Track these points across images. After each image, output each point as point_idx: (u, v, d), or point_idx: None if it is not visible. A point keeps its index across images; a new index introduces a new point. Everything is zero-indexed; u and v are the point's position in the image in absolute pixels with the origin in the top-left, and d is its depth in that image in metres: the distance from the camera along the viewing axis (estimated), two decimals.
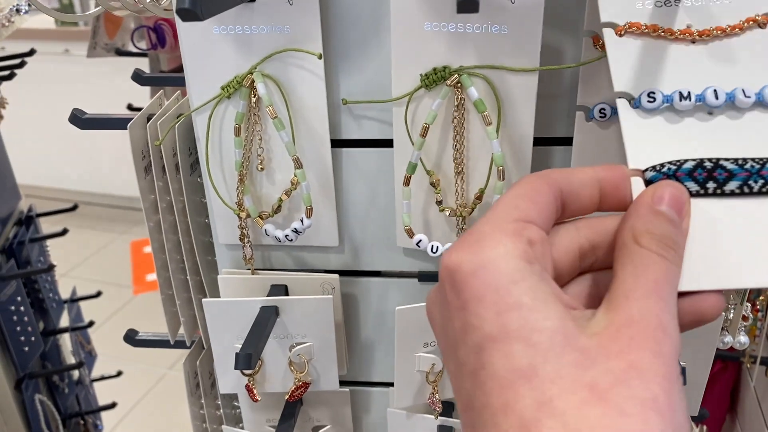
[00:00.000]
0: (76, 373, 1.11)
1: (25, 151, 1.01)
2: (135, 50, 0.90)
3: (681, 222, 0.25)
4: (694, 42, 0.29)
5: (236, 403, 0.52)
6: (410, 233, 0.41)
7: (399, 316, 0.41)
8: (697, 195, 0.26)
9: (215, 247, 0.46)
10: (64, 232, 1.02)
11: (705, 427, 0.80)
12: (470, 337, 0.21)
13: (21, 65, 0.82)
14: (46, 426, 0.97)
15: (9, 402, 0.89)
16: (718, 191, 0.26)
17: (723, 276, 0.25)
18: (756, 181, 0.26)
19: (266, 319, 0.42)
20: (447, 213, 0.41)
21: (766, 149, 0.27)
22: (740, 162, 0.26)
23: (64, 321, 1.07)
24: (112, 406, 1.13)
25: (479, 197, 0.41)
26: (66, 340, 1.09)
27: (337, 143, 0.42)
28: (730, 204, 0.26)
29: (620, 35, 0.29)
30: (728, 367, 0.73)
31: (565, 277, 0.25)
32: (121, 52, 0.93)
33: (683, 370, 0.45)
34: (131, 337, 0.52)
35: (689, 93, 0.27)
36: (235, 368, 0.38)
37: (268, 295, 0.44)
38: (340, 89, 0.41)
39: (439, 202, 0.41)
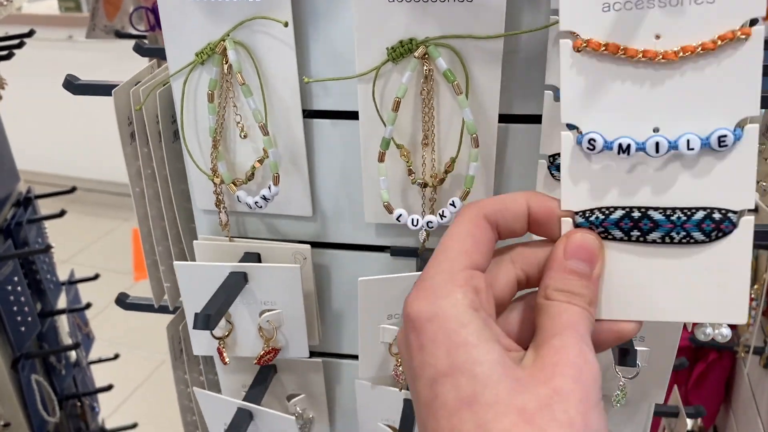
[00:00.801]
0: (73, 356, 1.15)
1: (28, 138, 1.05)
2: (134, 32, 0.93)
3: (592, 270, 0.28)
4: (657, 64, 0.27)
5: (216, 373, 0.55)
6: (389, 209, 0.43)
7: (362, 287, 0.43)
8: (621, 240, 0.29)
9: (194, 213, 0.49)
10: (62, 213, 1.06)
11: (699, 421, 0.81)
12: (426, 372, 0.25)
13: (20, 45, 0.85)
14: (43, 407, 1.00)
15: (5, 382, 0.92)
16: (641, 239, 0.28)
17: (635, 309, 0.29)
18: (678, 233, 0.28)
19: (233, 284, 0.44)
20: (419, 184, 0.43)
21: (704, 195, 0.28)
22: (668, 213, 0.28)
23: (62, 304, 1.11)
24: (109, 388, 1.17)
25: (450, 167, 0.43)
26: (63, 323, 1.13)
27: (309, 114, 0.44)
28: (649, 250, 0.29)
29: (577, 50, 0.27)
30: (723, 357, 0.74)
31: (505, 304, 0.30)
32: (120, 34, 0.96)
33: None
34: (122, 300, 0.55)
35: (629, 146, 0.27)
36: (193, 327, 0.41)
37: (240, 262, 0.47)
38: (310, 60, 0.42)
39: (411, 172, 0.43)
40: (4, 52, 0.87)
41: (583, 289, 0.28)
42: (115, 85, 0.45)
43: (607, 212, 0.28)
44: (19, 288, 0.94)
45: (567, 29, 0.27)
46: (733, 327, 0.82)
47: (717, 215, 0.28)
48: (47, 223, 1.07)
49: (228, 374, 0.52)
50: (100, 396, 1.22)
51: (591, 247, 0.28)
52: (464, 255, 0.27)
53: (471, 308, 0.26)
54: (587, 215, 0.29)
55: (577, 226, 0.29)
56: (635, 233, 0.28)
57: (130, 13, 0.96)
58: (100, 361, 1.22)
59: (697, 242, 0.28)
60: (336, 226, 0.48)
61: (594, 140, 0.28)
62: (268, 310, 0.47)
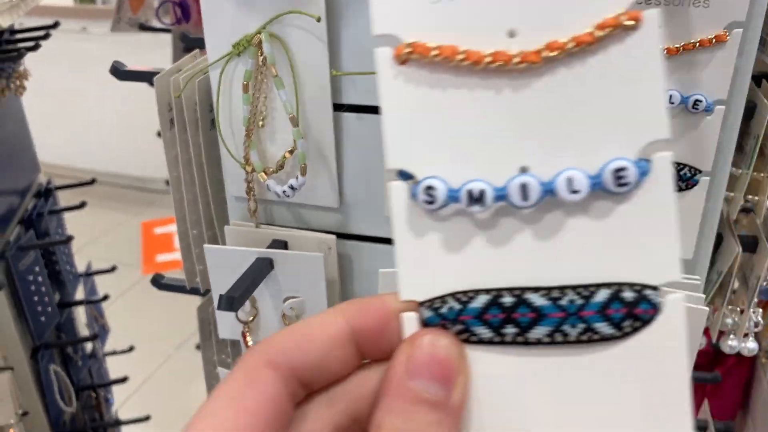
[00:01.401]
0: (89, 347, 1.19)
1: (39, 130, 1.11)
2: (158, 26, 0.96)
3: (449, 395, 0.19)
4: (515, 72, 0.19)
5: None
6: None
7: (382, 279, 0.46)
8: (491, 343, 0.20)
9: (227, 200, 0.53)
10: (82, 205, 1.11)
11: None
12: None
13: (45, 37, 0.90)
14: (60, 396, 1.05)
15: (25, 371, 0.96)
16: (520, 339, 0.20)
17: None
18: (574, 326, 0.19)
19: (259, 269, 0.47)
20: None
21: (606, 264, 0.19)
22: (555, 295, 0.19)
23: (79, 295, 1.16)
24: (124, 380, 1.21)
25: None
26: (79, 314, 1.18)
27: (339, 107, 0.47)
28: (534, 357, 0.20)
29: (402, 63, 0.19)
30: (741, 363, 0.75)
31: None
32: (144, 27, 1.00)
33: None
34: (157, 281, 0.59)
35: (482, 193, 0.19)
36: (217, 308, 0.44)
37: (267, 248, 0.50)
38: (341, 54, 0.45)
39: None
40: (31, 43, 0.92)
41: (436, 427, 0.19)
42: (157, 73, 0.49)
43: (464, 299, 0.20)
44: (40, 278, 0.98)
45: (383, 32, 0.20)
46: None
47: (628, 294, 0.19)
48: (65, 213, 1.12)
49: None
50: (114, 386, 1.26)
51: (446, 357, 0.19)
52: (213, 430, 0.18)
53: None
54: (437, 306, 0.20)
55: (425, 324, 0.20)
56: (510, 330, 0.20)
57: (156, 7, 1.00)
58: (115, 353, 1.26)
59: (604, 339, 0.19)
60: (360, 218, 0.51)
61: (433, 188, 0.19)
62: (292, 297, 0.50)
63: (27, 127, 1.07)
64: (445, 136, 0.20)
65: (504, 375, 0.20)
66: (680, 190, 0.43)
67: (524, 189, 0.19)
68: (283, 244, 0.50)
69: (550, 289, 0.20)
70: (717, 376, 0.69)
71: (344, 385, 0.21)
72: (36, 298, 0.98)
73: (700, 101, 0.40)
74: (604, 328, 0.19)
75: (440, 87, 0.19)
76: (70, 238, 1.06)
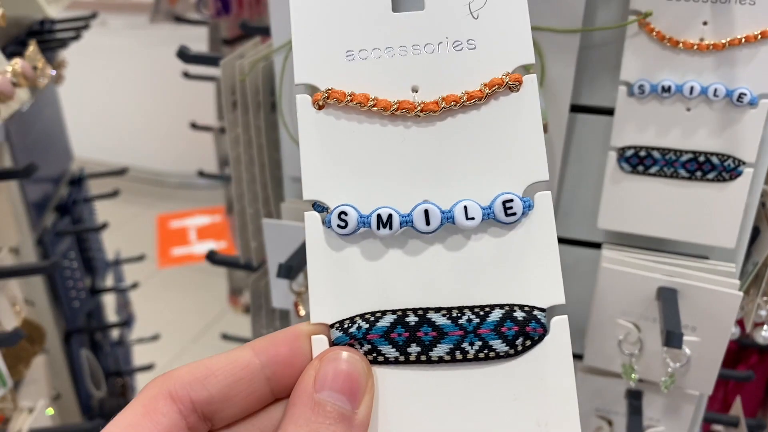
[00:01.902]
0: (115, 335, 1.23)
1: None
2: (195, 17, 1.00)
3: (355, 408, 0.20)
4: (417, 119, 0.23)
5: None
6: None
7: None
8: (396, 363, 0.22)
9: (284, 180, 0.56)
10: (115, 193, 1.15)
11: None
12: None
13: (86, 27, 0.95)
14: (90, 381, 1.09)
15: (58, 354, 1.00)
16: (423, 358, 0.22)
17: None
18: (472, 343, 0.22)
19: None
20: None
21: (500, 288, 0.22)
22: (455, 314, 0.22)
23: (108, 283, 1.20)
24: (150, 367, 1.25)
25: None
26: (107, 301, 1.22)
27: None
28: (437, 376, 0.22)
29: (318, 107, 0.23)
30: (765, 359, 0.77)
31: None
32: (180, 19, 1.04)
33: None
34: (212, 257, 0.62)
35: (390, 218, 0.22)
36: (277, 276, 0.47)
37: None
38: None
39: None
40: (72, 33, 0.97)
41: None
42: (221, 57, 0.53)
43: (372, 319, 0.22)
44: (74, 264, 1.02)
45: (304, 82, 0.23)
46: None
47: (519, 313, 0.22)
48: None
49: None
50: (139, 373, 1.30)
51: (354, 372, 0.20)
52: None
53: None
54: (347, 327, 0.22)
55: (334, 344, 0.22)
56: (414, 349, 0.22)
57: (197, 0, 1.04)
58: (141, 341, 1.30)
59: (498, 356, 0.22)
60: None
61: (345, 213, 0.22)
62: None
63: (62, 115, 1.11)
64: (356, 171, 0.23)
65: (409, 393, 0.22)
66: (723, 180, 0.45)
67: (427, 215, 0.22)
68: None
69: (450, 309, 0.22)
70: (751, 374, 0.71)
71: (252, 419, 0.21)
72: (70, 284, 1.01)
73: (745, 95, 0.43)
74: (499, 345, 0.22)
75: (352, 129, 0.23)
76: (104, 225, 1.10)
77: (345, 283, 0.22)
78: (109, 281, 1.22)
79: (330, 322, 0.22)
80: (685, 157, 0.45)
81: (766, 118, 0.44)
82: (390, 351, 0.22)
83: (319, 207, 0.23)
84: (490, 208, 0.22)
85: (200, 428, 0.21)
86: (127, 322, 1.19)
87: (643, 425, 0.54)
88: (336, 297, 0.22)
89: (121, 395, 1.24)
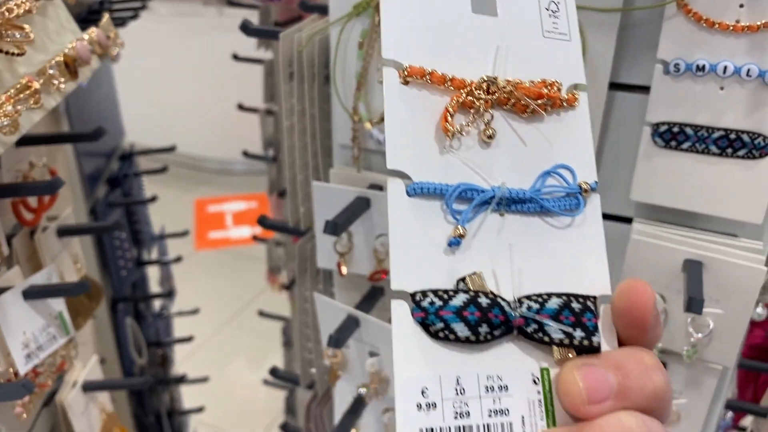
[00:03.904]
0: (156, 307, 1.30)
1: None
2: (246, 2, 1.04)
3: None
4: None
5: (333, 290, 0.66)
6: None
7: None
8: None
9: (333, 148, 0.60)
10: (164, 169, 1.22)
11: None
12: None
13: (143, 7, 1.00)
14: (134, 347, 1.15)
15: (105, 321, 1.06)
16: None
17: None
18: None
19: (358, 205, 0.55)
20: None
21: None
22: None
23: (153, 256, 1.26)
24: (189, 339, 1.31)
25: None
26: (152, 274, 1.29)
27: None
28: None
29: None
30: None
31: None
32: (232, 3, 1.09)
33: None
34: (263, 221, 0.66)
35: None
36: (324, 231, 0.51)
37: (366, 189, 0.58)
38: None
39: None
40: (130, 13, 1.02)
41: None
42: (281, 30, 0.58)
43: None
44: (123, 235, 1.08)
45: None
46: None
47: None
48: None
49: (343, 290, 0.63)
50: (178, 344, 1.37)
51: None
52: None
53: None
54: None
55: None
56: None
57: None
58: (181, 314, 1.37)
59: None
60: None
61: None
62: (384, 235, 0.58)
63: (116, 93, 1.18)
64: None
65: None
66: (753, 157, 0.48)
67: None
68: (379, 188, 0.58)
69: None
70: None
71: None
72: (119, 253, 1.07)
73: None
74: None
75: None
76: (153, 198, 1.16)
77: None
78: (153, 255, 1.28)
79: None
80: (716, 134, 0.48)
81: None
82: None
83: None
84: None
85: None
86: (170, 294, 1.25)
87: None
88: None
89: (160, 365, 1.31)
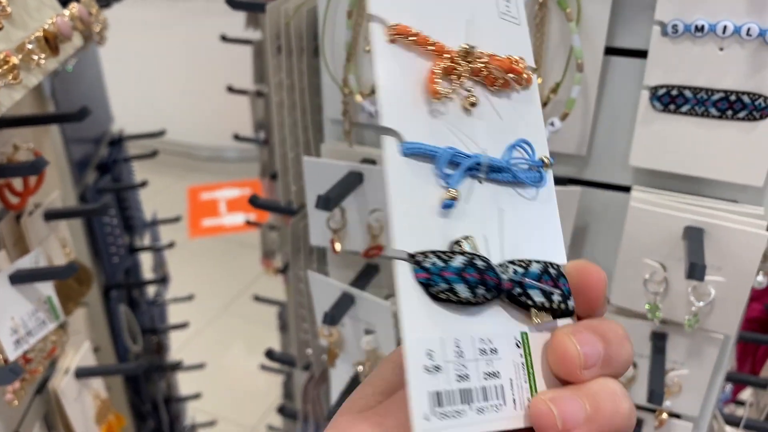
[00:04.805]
0: (150, 294, 1.28)
1: None
2: None
3: None
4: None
5: (328, 269, 0.65)
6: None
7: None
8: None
9: (323, 122, 0.59)
10: (154, 153, 1.20)
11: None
12: None
13: None
14: (128, 335, 1.14)
15: (98, 308, 1.04)
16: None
17: None
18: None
19: (350, 180, 0.54)
20: None
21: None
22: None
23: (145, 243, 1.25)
24: (185, 325, 1.30)
25: (554, 91, 0.51)
26: (144, 260, 1.27)
27: None
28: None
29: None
30: None
31: None
32: None
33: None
34: (255, 201, 0.65)
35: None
36: (315, 206, 0.50)
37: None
38: None
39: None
40: None
41: None
42: (267, 3, 0.56)
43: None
44: (114, 221, 1.07)
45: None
46: None
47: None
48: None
49: (337, 268, 0.62)
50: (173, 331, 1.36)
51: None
52: (369, 394, 0.25)
53: None
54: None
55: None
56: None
57: None
58: (176, 300, 1.35)
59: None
60: None
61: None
62: (378, 210, 0.56)
63: (103, 76, 1.15)
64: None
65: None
66: (754, 119, 0.47)
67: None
68: (372, 162, 0.56)
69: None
70: None
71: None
72: (110, 240, 1.06)
73: None
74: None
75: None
76: (144, 183, 1.15)
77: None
78: (146, 242, 1.27)
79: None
80: (716, 96, 0.47)
81: None
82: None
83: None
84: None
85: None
86: (163, 280, 1.24)
87: (665, 366, 0.56)
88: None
89: (156, 352, 1.30)
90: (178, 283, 1.97)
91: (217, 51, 1.33)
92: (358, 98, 0.55)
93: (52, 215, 0.66)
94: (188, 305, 1.41)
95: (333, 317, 0.53)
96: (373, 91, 0.54)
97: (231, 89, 1.17)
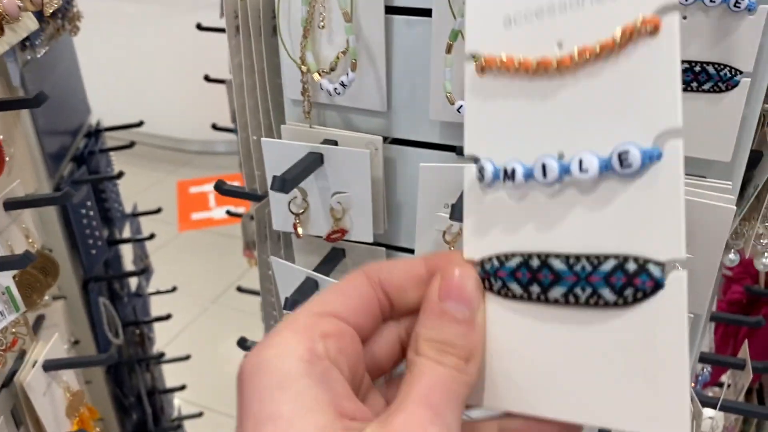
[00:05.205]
0: (133, 286, 1.27)
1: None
2: None
3: (473, 315, 0.24)
4: (554, 75, 0.24)
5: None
6: (451, 99, 0.50)
7: (423, 173, 0.50)
8: (521, 299, 0.24)
9: (284, 103, 0.57)
10: (131, 144, 1.17)
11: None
12: None
13: None
14: (108, 328, 1.12)
15: (77, 301, 1.02)
16: (542, 297, 0.24)
17: (529, 400, 0.24)
18: (583, 289, 0.23)
19: (310, 161, 0.52)
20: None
21: (615, 241, 0.23)
22: (571, 261, 0.23)
23: (126, 235, 1.23)
24: (167, 317, 1.28)
25: None
26: (126, 253, 1.25)
27: (391, 10, 0.51)
28: (551, 315, 0.24)
29: (482, 73, 0.25)
30: None
31: (387, 369, 0.26)
32: None
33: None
34: (220, 187, 0.63)
35: (513, 172, 0.24)
36: (270, 188, 0.48)
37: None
38: None
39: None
40: None
41: (461, 338, 0.24)
42: None
43: (503, 260, 0.25)
44: (91, 213, 1.04)
45: (472, 51, 0.25)
46: None
47: (631, 266, 0.22)
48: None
49: (302, 254, 0.60)
50: (156, 329, 1.34)
51: (468, 286, 0.24)
52: (318, 303, 0.24)
53: (304, 360, 0.22)
54: (484, 264, 0.25)
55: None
56: (534, 289, 0.24)
57: None
58: (159, 292, 1.34)
59: (608, 305, 0.23)
60: (406, 122, 0.54)
61: (483, 169, 0.25)
62: (340, 193, 0.54)
63: (78, 68, 1.13)
64: (504, 128, 0.25)
65: (525, 330, 0.24)
66: (720, 91, 0.45)
67: (544, 168, 0.23)
68: (333, 143, 0.55)
69: (569, 256, 0.23)
70: (760, 320, 0.71)
71: (413, 315, 0.26)
72: (88, 232, 1.04)
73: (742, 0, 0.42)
74: (607, 294, 0.23)
75: (503, 90, 0.25)
76: (120, 174, 1.13)
77: (486, 226, 0.25)
78: (127, 234, 1.25)
79: (477, 258, 0.25)
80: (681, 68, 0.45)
81: (765, 25, 0.43)
82: (516, 288, 0.24)
83: (474, 158, 0.25)
84: (608, 160, 0.22)
85: (384, 306, 0.26)
86: (143, 271, 1.22)
87: None
88: (480, 238, 0.25)
89: (139, 344, 1.28)
90: (168, 276, 1.95)
91: (206, 44, 1.30)
92: (316, 77, 0.53)
93: (12, 205, 0.64)
94: (178, 297, 1.39)
95: (294, 303, 0.52)
96: (332, 68, 0.53)
97: (207, 78, 1.15)
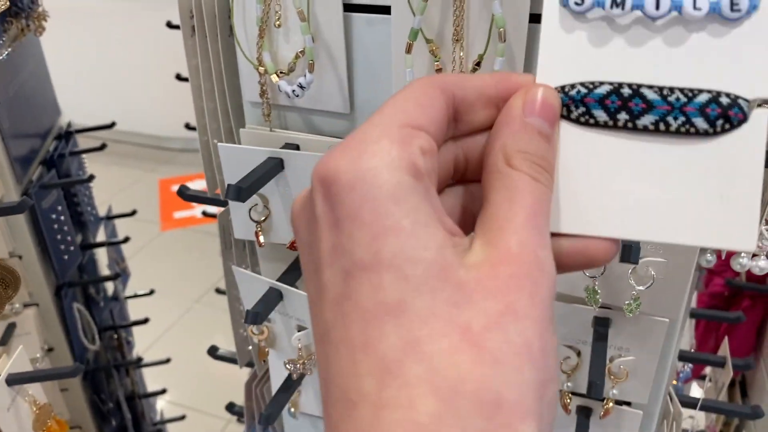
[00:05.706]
0: (110, 289, 1.24)
1: (55, 88, 1.14)
2: None
3: (554, 132, 0.24)
4: None
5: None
6: None
7: None
8: (603, 126, 0.25)
9: (244, 105, 0.55)
10: (102, 146, 1.14)
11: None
12: (339, 261, 0.20)
13: None
14: (84, 335, 1.09)
15: (50, 308, 0.99)
16: (630, 125, 0.25)
17: (610, 223, 0.25)
18: (676, 118, 0.24)
19: (269, 167, 0.50)
20: None
21: (706, 78, 0.24)
22: (665, 92, 0.24)
23: (101, 238, 1.20)
24: (145, 321, 1.26)
25: (478, 63, 0.47)
26: (102, 257, 1.22)
27: (350, 8, 0.49)
28: (636, 143, 0.25)
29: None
30: (756, 305, 0.76)
31: (438, 190, 0.24)
32: None
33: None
34: (183, 192, 0.61)
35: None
36: (224, 197, 0.46)
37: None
38: None
39: (438, 71, 0.48)
40: None
41: (545, 151, 0.24)
42: None
43: (591, 87, 0.25)
44: (62, 217, 1.01)
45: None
46: None
47: (724, 99, 0.24)
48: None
49: (267, 262, 0.58)
50: (136, 333, 1.31)
51: (554, 104, 0.24)
52: (403, 113, 0.22)
53: (410, 174, 0.21)
54: (567, 90, 0.25)
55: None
56: (623, 116, 0.24)
57: None
58: (136, 296, 1.31)
59: (698, 133, 0.24)
60: None
61: None
62: None
63: (47, 68, 1.10)
64: None
65: (608, 155, 0.25)
66: None
67: (658, 1, 0.24)
68: (295, 148, 0.52)
69: (662, 87, 0.24)
70: (741, 316, 0.70)
71: (472, 135, 0.25)
72: (59, 237, 1.01)
73: None
74: (700, 123, 0.24)
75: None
76: (91, 177, 1.10)
77: (571, 53, 0.25)
78: (102, 238, 1.22)
79: (554, 85, 0.25)
80: None
81: None
82: (601, 115, 0.24)
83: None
84: (718, 2, 0.23)
85: (451, 124, 0.24)
86: (118, 276, 1.19)
87: (611, 352, 0.53)
88: (561, 65, 0.25)
89: (117, 349, 1.25)
90: (151, 276, 1.93)
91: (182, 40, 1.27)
92: (275, 78, 0.50)
93: None
94: (161, 297, 1.37)
95: (256, 316, 0.50)
96: (291, 69, 0.50)
97: (179, 77, 1.12)
